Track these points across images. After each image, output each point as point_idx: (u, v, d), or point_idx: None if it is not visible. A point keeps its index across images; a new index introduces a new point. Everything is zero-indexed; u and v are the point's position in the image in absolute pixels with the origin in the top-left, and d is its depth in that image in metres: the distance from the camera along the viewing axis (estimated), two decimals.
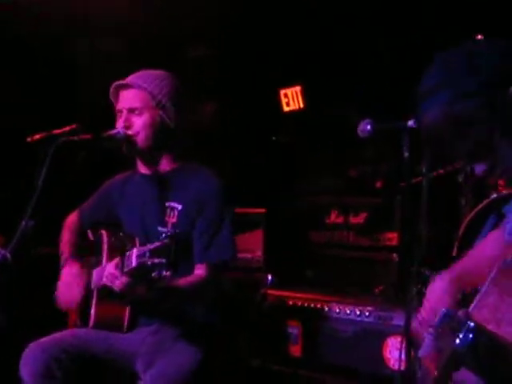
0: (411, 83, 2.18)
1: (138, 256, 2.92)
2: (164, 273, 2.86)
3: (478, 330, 1.96)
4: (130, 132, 3.39)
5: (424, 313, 2.44)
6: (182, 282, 3.22)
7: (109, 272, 3.07)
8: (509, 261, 2.28)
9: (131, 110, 3.41)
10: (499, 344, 1.98)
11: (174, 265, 2.87)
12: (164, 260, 2.85)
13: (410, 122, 3.10)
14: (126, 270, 2.98)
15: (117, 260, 3.05)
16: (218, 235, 3.36)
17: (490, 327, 2.06)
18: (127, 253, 2.98)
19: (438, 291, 2.44)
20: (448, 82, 2.02)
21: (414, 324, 2.52)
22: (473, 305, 2.23)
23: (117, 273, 3.02)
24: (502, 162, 2.04)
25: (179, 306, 3.37)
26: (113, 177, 3.77)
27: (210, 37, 6.61)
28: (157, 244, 2.89)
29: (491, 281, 2.24)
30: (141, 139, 3.41)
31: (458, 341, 1.91)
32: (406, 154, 3.15)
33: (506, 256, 2.34)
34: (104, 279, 3.12)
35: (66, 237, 3.72)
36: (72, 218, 3.80)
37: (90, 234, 3.66)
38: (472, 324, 1.94)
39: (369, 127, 3.19)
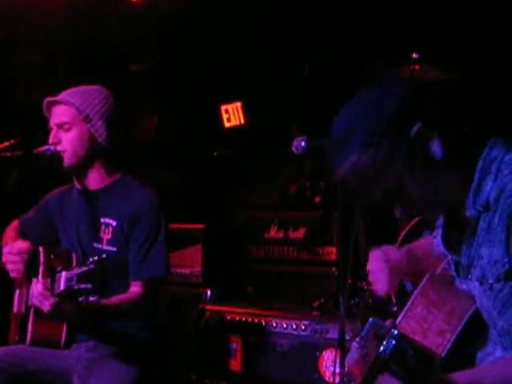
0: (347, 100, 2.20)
1: (67, 279, 2.91)
2: (91, 298, 2.86)
3: (402, 337, 2.01)
4: (59, 148, 3.38)
5: None
6: (114, 300, 3.22)
7: (38, 292, 3.04)
8: (436, 274, 2.33)
9: (60, 126, 3.41)
10: (422, 352, 2.03)
11: (100, 290, 2.88)
12: (90, 285, 2.86)
13: None
14: (55, 292, 2.97)
15: (46, 281, 3.03)
16: (152, 251, 3.36)
17: (416, 337, 2.12)
18: (57, 274, 2.96)
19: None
20: (354, 132, 2.05)
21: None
22: (401, 316, 2.28)
23: (45, 293, 3.00)
24: (413, 201, 2.09)
25: (114, 324, 3.37)
26: (52, 191, 3.75)
27: (152, 52, 6.62)
28: (83, 269, 2.90)
29: (419, 293, 2.29)
30: (69, 155, 3.40)
31: (381, 347, 1.95)
32: None
33: (435, 269, 2.39)
34: (33, 299, 3.10)
35: (10, 234, 3.68)
36: (14, 223, 3.77)
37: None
38: (396, 332, 1.99)
39: (303, 144, 3.22)
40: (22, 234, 3.66)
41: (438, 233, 2.41)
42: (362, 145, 2.03)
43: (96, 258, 2.92)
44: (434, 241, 2.49)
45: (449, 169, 2.05)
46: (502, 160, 2.04)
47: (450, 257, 2.26)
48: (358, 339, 2.23)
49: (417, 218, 4.68)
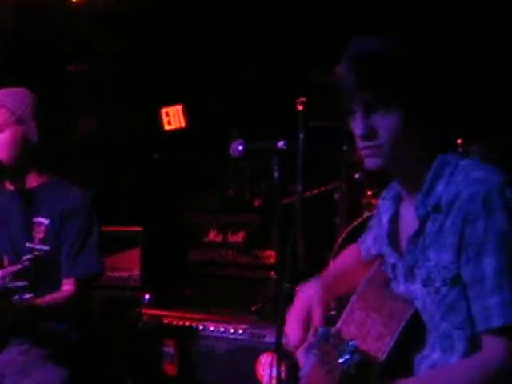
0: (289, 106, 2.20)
1: (0, 278, 2.88)
2: (25, 295, 2.84)
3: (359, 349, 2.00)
4: None
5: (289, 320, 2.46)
6: (46, 299, 3.19)
7: None
8: (373, 277, 2.33)
9: None
10: (366, 358, 2.02)
11: (35, 287, 2.86)
12: (25, 283, 2.85)
13: (280, 143, 3.14)
14: None
15: None
16: (84, 249, 3.35)
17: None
18: None
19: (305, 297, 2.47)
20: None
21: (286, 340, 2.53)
22: (340, 321, 2.27)
23: None
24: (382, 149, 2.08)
25: (47, 325, 3.33)
26: None
27: (93, 53, 6.57)
28: (18, 267, 2.88)
29: (357, 297, 2.29)
30: (3, 156, 3.36)
31: (344, 361, 1.92)
32: (276, 174, 3.18)
33: (368, 273, 2.39)
34: None
35: None
36: None
37: None
38: (354, 343, 1.96)
39: (240, 147, 3.21)
40: None
41: (369, 236, 2.41)
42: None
43: (30, 256, 2.89)
44: (362, 246, 2.49)
45: (416, 145, 2.07)
46: (455, 165, 2.05)
47: (386, 258, 2.25)
48: (312, 350, 2.20)
49: (350, 226, 4.72)
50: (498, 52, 5.21)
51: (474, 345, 1.98)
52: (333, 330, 2.11)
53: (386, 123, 2.04)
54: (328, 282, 2.46)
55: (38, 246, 3.34)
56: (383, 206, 2.31)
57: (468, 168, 2.03)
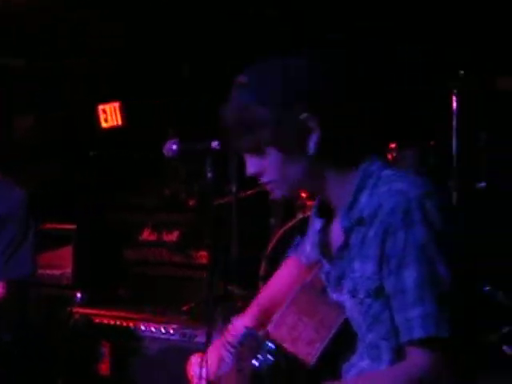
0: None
1: None
2: None
3: (279, 351, 2.01)
4: None
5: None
6: None
7: None
8: (308, 282, 2.35)
9: None
10: (292, 361, 2.04)
11: None
12: None
13: (214, 143, 3.14)
14: None
15: None
16: (19, 250, 3.30)
17: (286, 345, 2.12)
18: None
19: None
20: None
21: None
22: (272, 323, 2.29)
23: None
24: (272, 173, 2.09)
25: None
26: None
27: (31, 49, 6.48)
28: None
29: (290, 301, 2.30)
30: None
31: (257, 362, 1.94)
32: (210, 175, 3.18)
33: (305, 278, 2.40)
34: None
35: None
36: None
37: None
38: (272, 346, 1.98)
39: (174, 147, 3.19)
40: None
41: (308, 241, 2.42)
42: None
43: None
44: (300, 250, 2.50)
45: (325, 165, 2.08)
46: (378, 176, 2.06)
47: (321, 265, 2.26)
48: (230, 349, 2.21)
49: (282, 230, 4.76)
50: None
51: (399, 355, 2.01)
52: (254, 331, 2.13)
53: (264, 163, 2.07)
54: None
55: None
56: (314, 215, 2.32)
57: (390, 179, 2.04)
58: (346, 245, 2.09)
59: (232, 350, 2.24)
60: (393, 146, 4.77)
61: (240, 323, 2.39)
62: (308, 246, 2.41)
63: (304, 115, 2.02)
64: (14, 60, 6.58)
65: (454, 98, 4.94)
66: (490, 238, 4.50)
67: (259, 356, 1.95)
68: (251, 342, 2.10)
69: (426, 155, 4.91)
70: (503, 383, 3.96)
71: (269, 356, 1.95)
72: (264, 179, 2.09)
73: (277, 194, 2.12)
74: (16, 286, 3.30)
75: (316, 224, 2.29)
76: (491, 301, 4.63)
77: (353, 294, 2.06)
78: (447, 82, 4.93)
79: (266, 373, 1.93)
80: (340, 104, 2.12)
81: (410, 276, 1.93)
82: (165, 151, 3.21)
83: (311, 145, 2.03)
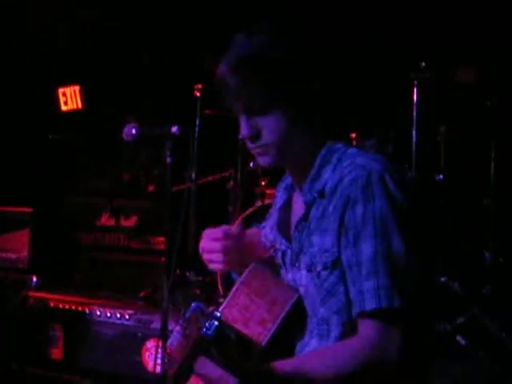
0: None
1: None
2: None
3: (224, 321, 2.00)
4: None
5: None
6: None
7: None
8: (260, 263, 2.35)
9: None
10: (243, 340, 2.04)
11: None
12: None
13: (174, 129, 3.13)
14: None
15: None
16: None
17: (237, 326, 2.12)
18: None
19: None
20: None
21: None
22: (223, 304, 2.28)
23: None
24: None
25: None
26: None
27: None
28: None
29: (242, 281, 2.30)
30: None
31: (204, 328, 1.94)
32: (169, 160, 3.17)
33: (258, 258, 2.41)
34: None
35: None
36: None
37: None
38: (218, 314, 1.98)
39: (134, 131, 3.17)
40: None
41: (268, 223, 2.42)
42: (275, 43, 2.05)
43: None
44: (262, 231, 2.50)
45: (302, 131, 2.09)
46: (344, 152, 2.08)
47: (278, 245, 2.26)
48: (179, 323, 2.21)
49: (244, 214, 4.76)
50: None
51: (349, 330, 2.01)
52: (202, 305, 2.13)
53: (267, 123, 2.06)
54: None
55: None
56: (277, 197, 2.34)
57: (354, 155, 2.07)
58: (305, 217, 2.10)
59: (180, 322, 2.24)
60: (353, 135, 4.79)
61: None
62: (268, 228, 2.41)
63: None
64: None
65: (415, 90, 4.98)
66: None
67: (206, 323, 1.95)
68: (200, 314, 2.10)
69: (385, 146, 4.94)
70: (456, 372, 4.01)
71: (215, 322, 1.94)
72: (261, 141, 2.08)
73: (265, 160, 2.11)
74: None
75: (278, 202, 2.30)
76: (447, 292, 4.69)
77: (310, 268, 2.07)
78: (408, 73, 4.96)
79: (211, 339, 1.92)
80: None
81: (366, 248, 1.95)
82: (124, 135, 3.19)
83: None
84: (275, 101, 2.04)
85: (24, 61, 6.38)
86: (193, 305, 2.16)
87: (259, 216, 3.53)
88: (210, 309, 2.17)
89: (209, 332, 1.94)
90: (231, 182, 5.16)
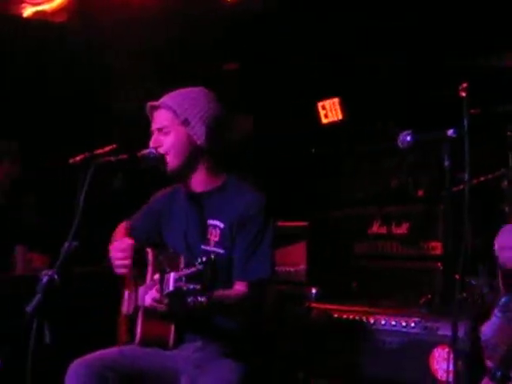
0: None
1: (175, 280, 2.92)
2: (199, 298, 2.88)
3: None
4: (161, 151, 3.42)
5: None
6: (219, 294, 3.13)
7: (151, 297, 3.11)
8: None
9: (160, 130, 3.46)
10: None
11: (209, 290, 2.89)
12: (199, 286, 2.87)
13: (450, 132, 3.12)
14: (164, 292, 2.99)
15: (157, 285, 3.05)
16: (257, 252, 3.34)
17: None
18: (166, 275, 2.98)
19: None
20: None
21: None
22: None
23: (158, 297, 3.05)
24: None
25: (218, 321, 3.38)
26: (161, 190, 3.78)
27: (243, 51, 6.65)
28: (192, 269, 2.91)
29: None
30: (170, 158, 3.43)
31: None
32: (447, 163, 3.16)
33: None
34: (147, 302, 3.16)
35: (119, 235, 3.69)
36: (122, 225, 3.79)
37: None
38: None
39: (409, 138, 3.22)
40: (130, 235, 3.65)
41: None
42: None
43: (204, 258, 2.92)
44: None
45: None
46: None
47: None
48: (496, 312, 2.17)
49: None
50: None
51: None
52: None
53: None
54: None
55: (213, 249, 3.38)
56: None
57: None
58: None
59: (498, 312, 2.19)
60: None
61: None
62: None
63: None
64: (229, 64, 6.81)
65: None
66: None
67: None
68: None
69: None
70: None
71: None
72: None
73: None
74: (256, 287, 3.35)
75: None
76: None
77: None
78: None
79: None
80: None
81: None
82: (399, 143, 3.25)
83: None
84: None
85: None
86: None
87: None
88: None
89: None
90: (505, 182, 4.98)
